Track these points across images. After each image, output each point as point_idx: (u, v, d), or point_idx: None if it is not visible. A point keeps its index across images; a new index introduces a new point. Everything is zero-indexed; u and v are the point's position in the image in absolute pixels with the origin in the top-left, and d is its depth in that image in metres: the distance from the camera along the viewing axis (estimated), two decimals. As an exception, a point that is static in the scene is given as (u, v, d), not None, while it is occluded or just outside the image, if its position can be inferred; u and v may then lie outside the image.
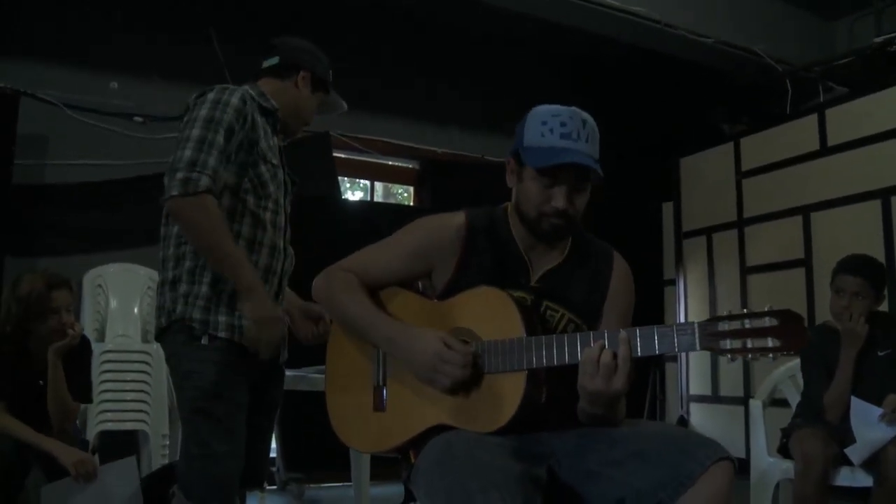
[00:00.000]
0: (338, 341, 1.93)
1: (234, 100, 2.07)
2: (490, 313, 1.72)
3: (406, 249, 1.87)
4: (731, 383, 4.85)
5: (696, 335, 1.52)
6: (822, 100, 4.72)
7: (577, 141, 1.71)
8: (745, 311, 1.50)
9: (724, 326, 1.50)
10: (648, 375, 5.44)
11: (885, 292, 2.98)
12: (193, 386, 2.03)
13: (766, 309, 1.48)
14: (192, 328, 2.04)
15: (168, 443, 3.76)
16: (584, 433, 1.70)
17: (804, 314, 4.28)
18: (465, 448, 1.53)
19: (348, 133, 5.00)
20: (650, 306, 5.34)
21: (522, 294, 1.77)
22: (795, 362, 3.21)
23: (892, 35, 4.44)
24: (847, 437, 2.74)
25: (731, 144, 5.00)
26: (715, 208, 5.06)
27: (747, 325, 1.49)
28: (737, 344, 1.49)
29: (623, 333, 1.56)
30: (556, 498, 1.65)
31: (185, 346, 2.04)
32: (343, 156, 5.14)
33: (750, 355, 1.48)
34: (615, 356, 1.55)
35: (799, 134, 4.54)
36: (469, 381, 1.68)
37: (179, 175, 1.95)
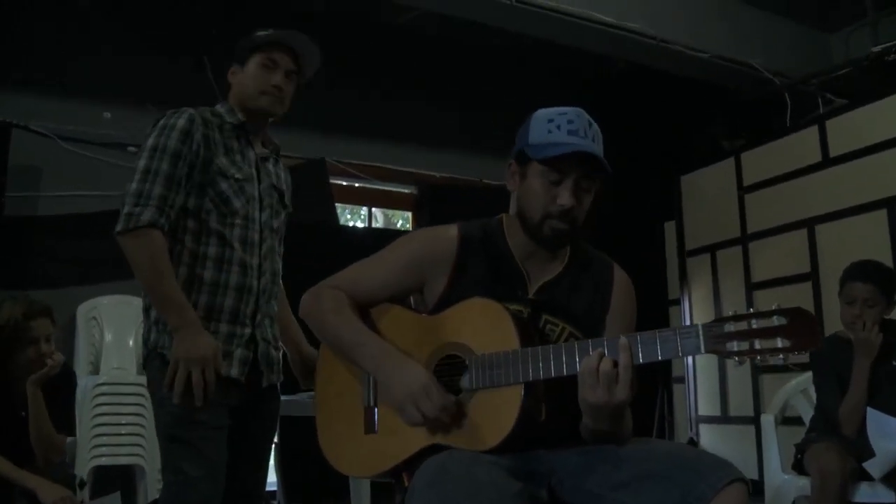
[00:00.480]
0: (327, 362, 1.85)
1: (180, 122, 2.04)
2: (484, 326, 1.65)
3: (397, 263, 1.81)
4: (740, 403, 4.74)
5: (701, 338, 1.44)
6: (821, 111, 4.66)
7: (584, 138, 1.68)
8: (751, 310, 1.43)
9: (730, 328, 1.43)
10: (656, 397, 5.33)
11: (896, 298, 2.89)
12: (166, 412, 1.99)
13: (773, 307, 1.41)
14: (163, 355, 2.00)
15: (165, 477, 3.66)
16: (587, 451, 1.61)
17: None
18: (460, 467, 1.45)
19: (345, 159, 4.96)
20: (655, 327, 5.23)
21: (519, 307, 1.70)
22: (807, 376, 3.13)
23: (890, 44, 4.41)
24: (865, 451, 2.65)
25: (731, 160, 4.94)
26: (718, 225, 5.00)
27: (755, 326, 1.41)
28: (744, 346, 1.41)
29: (623, 340, 1.49)
30: (558, 520, 1.58)
31: (159, 373, 1.99)
32: (343, 183, 5.10)
33: (759, 357, 1.40)
34: (615, 364, 1.48)
35: (800, 146, 4.49)
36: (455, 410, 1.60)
37: (125, 209, 1.96)
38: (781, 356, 1.39)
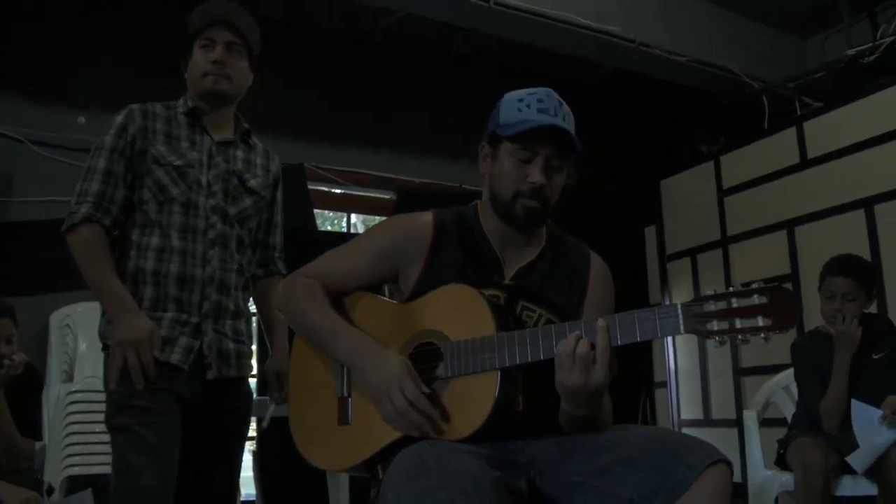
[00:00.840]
0: (301, 353, 1.82)
1: (119, 118, 2.09)
2: (459, 312, 1.62)
3: (371, 249, 1.79)
4: (722, 405, 4.73)
5: (680, 317, 1.43)
6: (799, 114, 4.68)
7: (554, 116, 1.67)
8: (731, 288, 1.41)
9: (710, 307, 1.41)
10: (639, 402, 5.31)
11: (875, 292, 2.89)
12: (108, 402, 1.97)
13: (754, 286, 1.39)
14: (107, 345, 1.99)
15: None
16: (566, 440, 1.58)
17: (794, 329, 4.22)
18: (436, 457, 1.41)
19: (323, 165, 4.92)
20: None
21: (496, 292, 1.68)
22: (788, 373, 3.11)
23: (864, 47, 4.43)
24: (846, 446, 2.65)
25: (711, 163, 4.94)
26: (698, 229, 4.99)
27: (735, 305, 1.39)
28: (724, 325, 1.39)
29: (600, 321, 1.47)
30: (540, 511, 1.54)
31: (104, 364, 1.99)
32: (322, 188, 5.06)
33: (739, 336, 1.38)
34: (592, 346, 1.46)
35: (778, 148, 4.50)
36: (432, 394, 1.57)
37: (69, 210, 2.01)
38: (762, 335, 1.37)
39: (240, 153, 2.22)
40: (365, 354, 1.64)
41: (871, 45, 4.44)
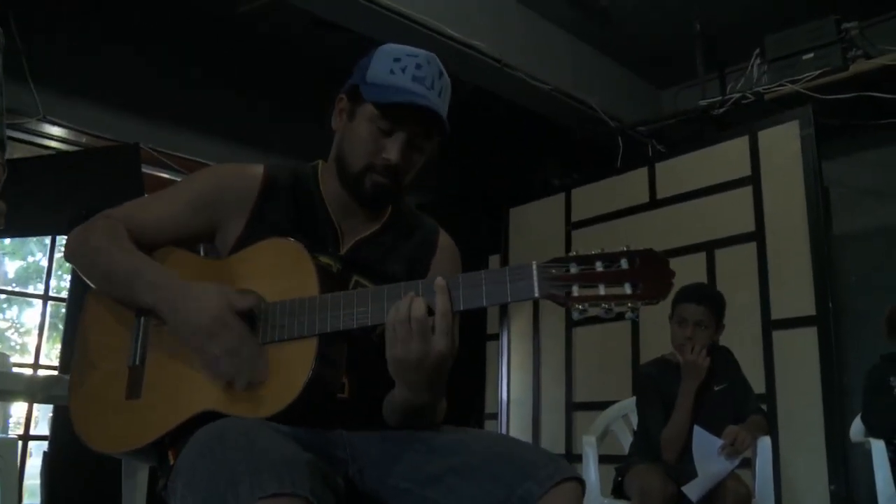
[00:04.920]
0: (91, 312, 1.50)
1: None
2: (280, 270, 1.37)
3: (188, 196, 1.51)
4: (553, 440, 4.58)
5: (535, 279, 1.20)
6: (650, 155, 4.75)
7: (430, 90, 1.44)
8: (595, 251, 1.23)
9: (572, 268, 1.20)
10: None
11: (724, 324, 2.86)
12: None
13: (623, 249, 1.23)
14: None
15: None
16: (395, 438, 1.35)
17: (629, 368, 4.17)
18: (240, 432, 1.14)
19: (160, 148, 4.48)
20: (472, 361, 5.10)
21: (329, 261, 1.45)
22: (629, 401, 3.03)
23: (714, 99, 4.56)
24: (684, 476, 2.56)
25: (562, 196, 4.92)
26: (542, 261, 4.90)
27: (599, 269, 1.21)
28: (587, 291, 1.19)
29: (439, 280, 1.23)
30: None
31: None
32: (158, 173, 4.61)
33: (604, 305, 1.18)
34: (430, 311, 1.22)
35: (629, 187, 4.53)
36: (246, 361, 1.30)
37: None
38: (629, 304, 1.18)
39: None
40: (175, 292, 1.35)
41: (720, 98, 4.56)
